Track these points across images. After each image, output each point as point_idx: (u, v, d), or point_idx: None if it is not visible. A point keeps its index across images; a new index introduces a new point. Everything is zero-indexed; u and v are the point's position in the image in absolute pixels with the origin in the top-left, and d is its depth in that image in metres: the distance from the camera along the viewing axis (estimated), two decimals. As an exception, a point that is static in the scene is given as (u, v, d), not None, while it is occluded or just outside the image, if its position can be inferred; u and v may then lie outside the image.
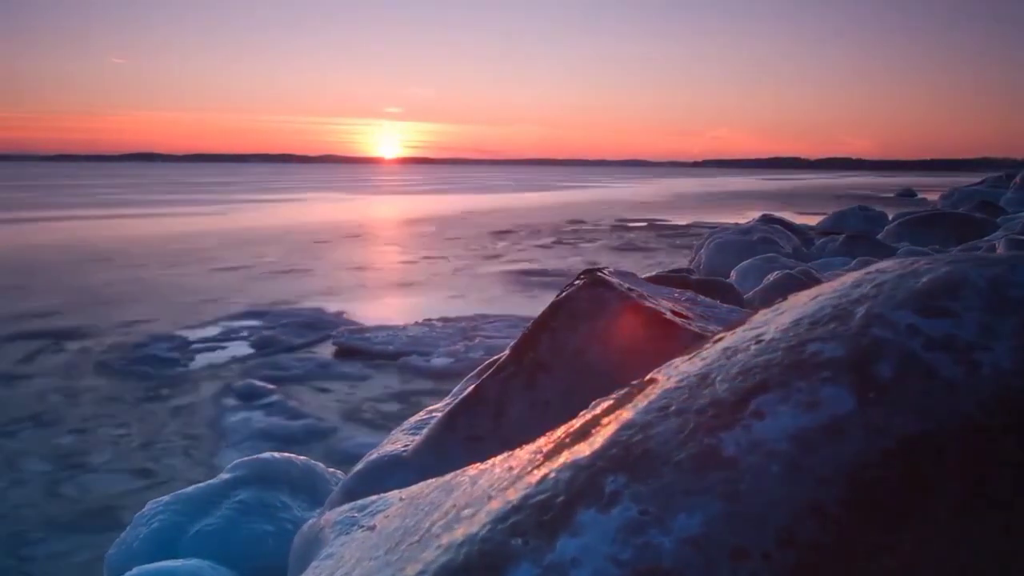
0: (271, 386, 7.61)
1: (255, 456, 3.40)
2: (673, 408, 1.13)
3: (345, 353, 9.03)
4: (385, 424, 6.51)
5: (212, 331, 10.21)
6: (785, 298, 1.42)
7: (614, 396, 1.36)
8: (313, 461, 3.47)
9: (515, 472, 1.27)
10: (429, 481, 1.65)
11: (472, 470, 1.52)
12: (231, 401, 7.24)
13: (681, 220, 29.18)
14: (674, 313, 2.47)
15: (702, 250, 13.59)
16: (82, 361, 8.77)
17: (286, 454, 3.43)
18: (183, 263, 16.60)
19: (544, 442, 1.36)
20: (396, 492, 1.76)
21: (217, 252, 18.62)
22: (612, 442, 1.12)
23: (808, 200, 43.57)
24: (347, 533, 1.66)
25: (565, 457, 1.16)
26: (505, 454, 1.48)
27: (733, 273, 10.47)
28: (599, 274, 2.64)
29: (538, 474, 1.16)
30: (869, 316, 1.13)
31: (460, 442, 2.46)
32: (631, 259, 17.32)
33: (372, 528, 1.58)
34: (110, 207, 35.63)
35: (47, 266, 16.37)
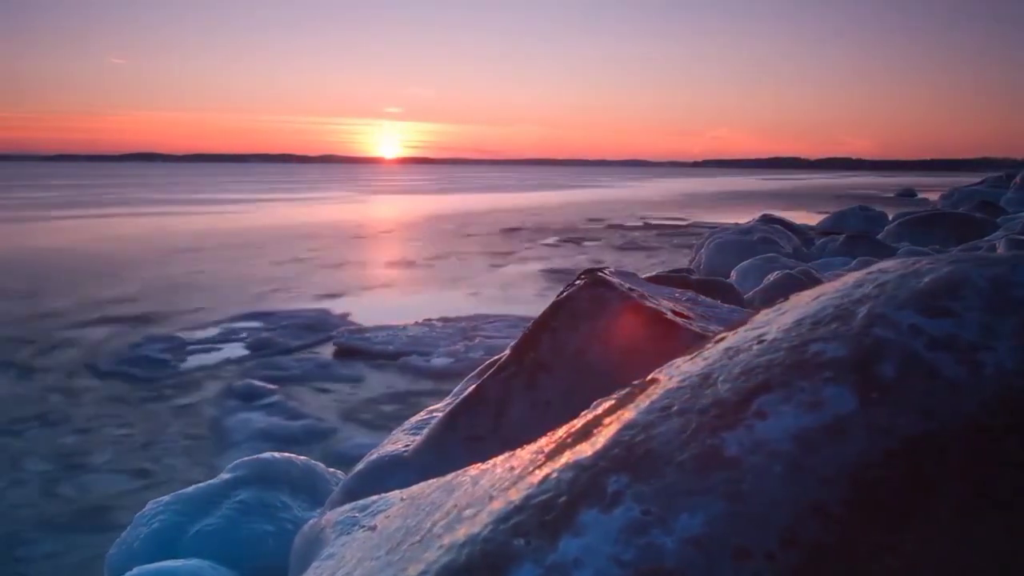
0: (271, 386, 7.60)
1: (255, 456, 3.40)
2: (675, 408, 1.13)
3: (346, 353, 9.03)
4: (384, 424, 6.51)
5: (212, 332, 10.21)
6: (787, 298, 1.42)
7: (615, 396, 1.36)
8: (313, 461, 3.47)
9: (517, 472, 1.27)
10: (430, 481, 1.65)
11: (473, 470, 1.51)
12: (231, 401, 7.23)
13: (706, 219, 29.05)
14: (675, 313, 2.47)
15: (702, 250, 13.59)
16: (87, 360, 8.77)
17: (286, 454, 3.43)
18: (192, 262, 16.61)
19: (545, 442, 1.36)
20: (397, 492, 1.76)
21: (223, 251, 18.74)
22: (614, 442, 1.12)
23: (808, 200, 43.61)
24: (348, 533, 1.66)
25: (567, 457, 1.16)
26: (506, 454, 1.47)
27: (733, 273, 10.47)
28: (600, 274, 2.64)
29: (540, 474, 1.16)
30: (871, 316, 1.13)
31: (461, 442, 2.46)
32: (657, 257, 17.44)
33: (373, 528, 1.57)
34: (115, 206, 35.99)
35: (60, 265, 16.47)
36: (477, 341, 9.11)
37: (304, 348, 9.36)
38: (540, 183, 76.71)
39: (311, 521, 2.01)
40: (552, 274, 14.91)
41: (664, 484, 1.02)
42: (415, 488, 1.67)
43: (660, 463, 1.05)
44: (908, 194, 49.82)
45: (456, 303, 12.04)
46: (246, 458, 3.38)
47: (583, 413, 1.40)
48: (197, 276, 14.80)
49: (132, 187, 58.52)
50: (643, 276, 3.80)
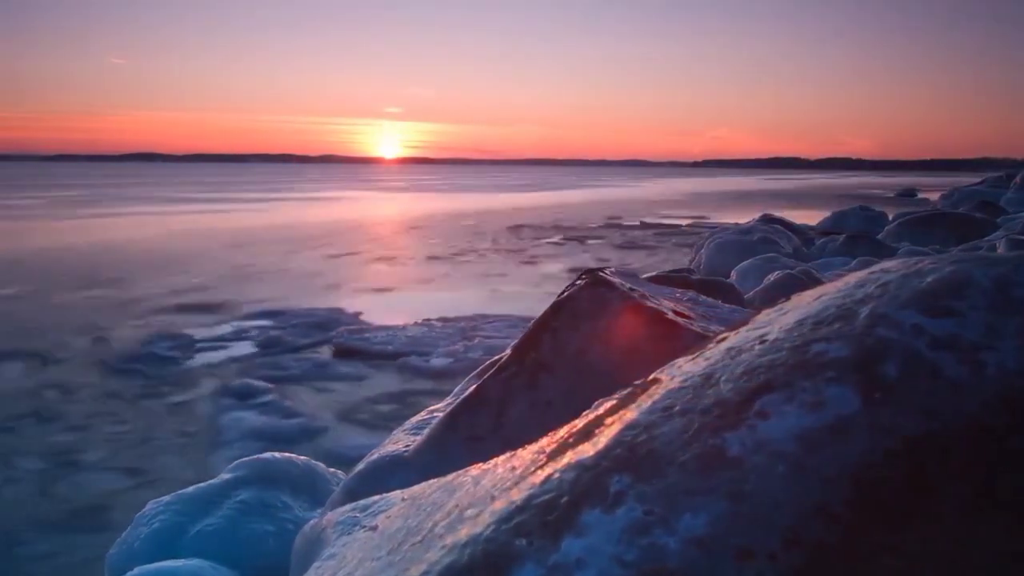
0: (269, 385, 7.60)
1: (256, 456, 3.40)
2: (677, 408, 1.13)
3: (348, 353, 9.02)
4: (382, 424, 6.53)
5: (210, 331, 10.20)
6: (788, 298, 1.42)
7: (617, 396, 1.36)
8: (314, 461, 3.47)
9: (518, 472, 1.26)
10: (431, 481, 1.65)
11: (474, 470, 1.51)
12: (229, 401, 7.22)
13: (717, 218, 29.14)
14: (676, 313, 2.47)
15: (702, 250, 13.58)
16: (93, 358, 8.78)
17: (287, 454, 3.43)
18: (191, 261, 16.64)
19: (547, 442, 1.36)
20: (398, 492, 1.75)
21: (232, 251, 18.86)
22: (616, 442, 1.12)
23: (809, 200, 43.67)
24: (349, 533, 1.65)
25: (569, 457, 1.16)
26: (507, 454, 1.47)
27: (733, 273, 10.46)
28: (600, 274, 2.64)
29: (542, 474, 1.16)
30: (874, 316, 1.12)
31: (462, 442, 2.46)
32: (658, 256, 17.57)
33: (374, 528, 1.57)
34: (128, 204, 36.54)
35: (81, 262, 16.65)
36: (477, 341, 9.12)
37: (307, 347, 9.37)
38: (545, 183, 76.96)
39: (312, 521, 2.01)
40: (556, 273, 14.95)
41: (666, 484, 1.02)
42: (416, 488, 1.67)
43: (662, 463, 1.05)
44: (908, 194, 49.83)
45: (461, 302, 12.07)
46: (246, 458, 3.38)
47: (584, 413, 1.40)
48: (197, 275, 14.82)
49: (140, 186, 59.00)
50: (643, 276, 3.81)
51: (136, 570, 2.61)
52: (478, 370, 3.00)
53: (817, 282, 5.79)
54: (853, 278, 1.30)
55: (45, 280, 14.29)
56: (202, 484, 3.23)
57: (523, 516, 1.07)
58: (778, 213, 18.70)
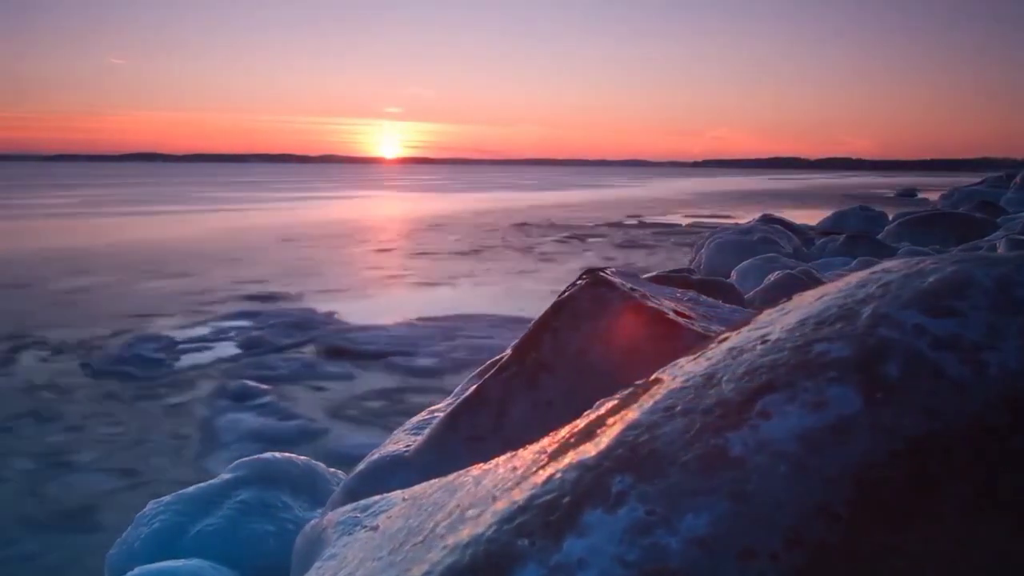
0: (265, 386, 7.60)
1: (256, 456, 3.40)
2: (679, 408, 1.13)
3: (348, 353, 9.02)
4: (376, 423, 6.54)
5: (202, 331, 10.17)
6: (790, 298, 1.41)
7: (618, 396, 1.35)
8: (314, 461, 3.46)
9: (520, 472, 1.26)
10: (432, 481, 1.64)
11: (475, 470, 1.51)
12: (220, 401, 7.20)
13: (726, 219, 29.44)
14: (677, 313, 2.47)
15: (702, 250, 13.57)
16: (100, 357, 8.80)
17: (287, 454, 3.43)
18: (188, 262, 16.66)
19: (548, 442, 1.36)
20: (399, 492, 1.75)
21: (296, 248, 19.40)
22: (618, 442, 1.12)
23: (809, 200, 43.73)
24: (350, 533, 1.65)
25: (571, 457, 1.16)
26: (509, 454, 1.47)
27: (733, 273, 10.46)
28: (601, 274, 2.63)
29: (543, 474, 1.16)
30: (876, 316, 1.12)
31: (462, 442, 2.46)
32: (660, 255, 17.69)
33: (375, 528, 1.57)
34: (143, 205, 37.20)
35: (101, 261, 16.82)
36: (478, 340, 9.14)
37: (303, 346, 9.38)
38: (548, 183, 77.22)
39: (313, 521, 2.00)
40: (561, 273, 15.01)
41: (668, 484, 1.02)
42: (417, 488, 1.67)
43: (664, 463, 1.05)
44: (908, 194, 49.80)
45: (466, 301, 12.13)
46: (247, 458, 3.38)
47: (586, 413, 1.40)
48: (198, 275, 14.84)
49: (156, 187, 59.58)
50: (644, 276, 3.80)
51: (136, 570, 2.60)
52: (478, 370, 2.99)
53: (817, 282, 5.79)
54: (855, 278, 1.30)
55: (134, 271, 15.06)
56: (202, 484, 3.22)
57: (525, 516, 1.07)
58: (778, 213, 18.71)
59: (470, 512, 1.21)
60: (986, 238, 11.46)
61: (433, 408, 3.00)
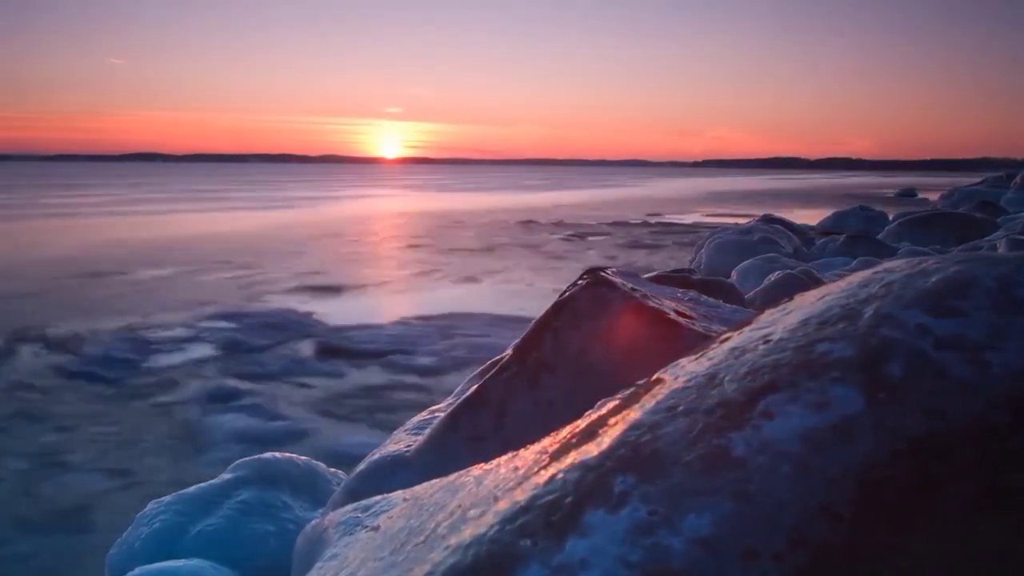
0: (258, 386, 7.60)
1: (256, 456, 3.40)
2: (681, 408, 1.13)
3: (350, 353, 9.02)
4: (374, 423, 6.53)
5: (194, 331, 10.15)
6: (792, 298, 1.41)
7: (620, 396, 1.35)
8: (314, 461, 3.46)
9: (521, 472, 1.26)
10: (433, 481, 1.64)
11: (476, 470, 1.51)
12: (215, 402, 7.18)
13: (726, 218, 29.69)
14: (677, 313, 2.47)
15: (702, 250, 13.57)
16: (104, 357, 8.81)
17: (287, 454, 3.43)
18: (182, 262, 16.66)
19: (549, 442, 1.36)
20: (400, 492, 1.75)
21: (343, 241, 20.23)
22: (620, 442, 1.11)
23: (808, 200, 43.83)
24: (351, 534, 1.65)
25: (572, 457, 1.16)
26: (510, 454, 1.47)
27: (734, 273, 10.45)
28: (602, 274, 2.63)
29: (545, 474, 1.16)
30: (878, 316, 1.12)
31: (463, 442, 2.46)
32: (662, 254, 17.88)
33: (376, 528, 1.57)
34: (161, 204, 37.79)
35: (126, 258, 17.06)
36: (480, 340, 9.16)
37: (301, 346, 9.39)
38: (554, 183, 77.43)
39: (313, 521, 2.00)
40: (564, 272, 15.08)
41: (671, 484, 1.01)
42: (418, 488, 1.66)
43: (667, 463, 1.04)
44: (908, 194, 49.78)
45: (471, 300, 12.20)
46: (247, 458, 3.38)
47: (587, 413, 1.39)
48: (200, 274, 14.84)
49: (172, 186, 59.96)
50: (644, 276, 3.80)
51: (137, 570, 2.60)
52: (479, 370, 2.99)
53: (818, 282, 5.79)
54: (857, 278, 1.30)
55: (203, 263, 15.70)
56: (203, 484, 3.22)
57: (527, 516, 1.07)
58: (778, 213, 18.72)
59: (472, 512, 1.21)
60: (986, 238, 11.46)
61: (434, 408, 3.00)
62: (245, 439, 6.21)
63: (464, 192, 56.25)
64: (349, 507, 1.82)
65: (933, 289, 1.14)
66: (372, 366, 8.46)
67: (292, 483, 3.23)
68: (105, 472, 5.75)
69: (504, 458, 1.46)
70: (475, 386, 2.64)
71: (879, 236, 14.23)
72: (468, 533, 1.12)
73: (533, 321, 2.68)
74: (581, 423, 1.34)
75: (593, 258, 17.52)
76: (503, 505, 1.14)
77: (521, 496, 1.13)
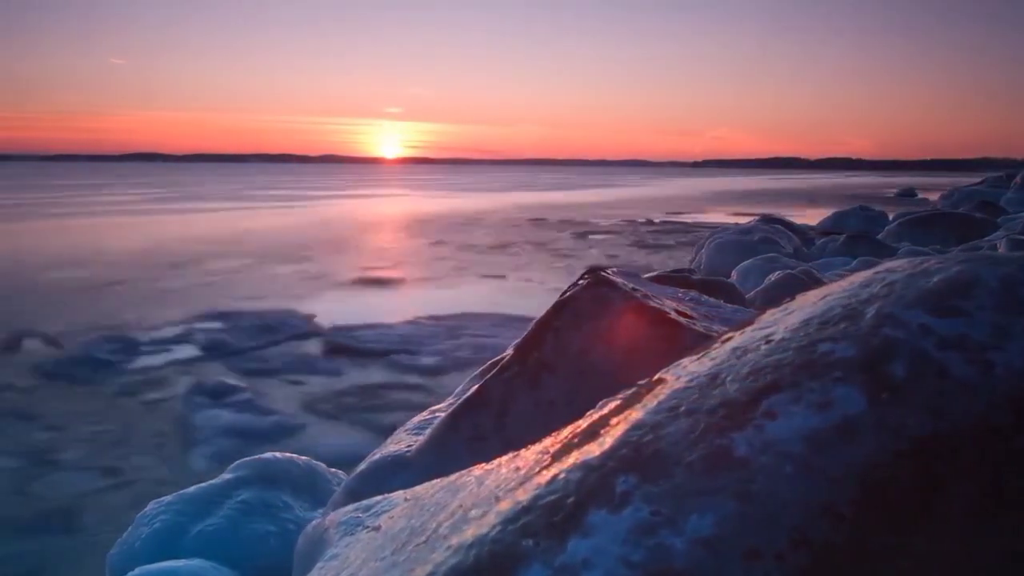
0: (255, 385, 7.60)
1: (257, 456, 3.39)
2: (683, 408, 1.13)
3: (351, 352, 9.02)
4: (374, 423, 6.53)
5: (193, 330, 10.15)
6: (793, 298, 1.41)
7: (622, 396, 1.35)
8: (315, 461, 3.46)
9: (523, 472, 1.26)
10: (434, 481, 1.64)
11: (477, 470, 1.51)
12: (214, 401, 7.16)
13: (726, 218, 29.90)
14: (678, 313, 2.46)
15: (703, 250, 13.56)
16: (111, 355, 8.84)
17: (288, 454, 3.43)
18: (179, 263, 16.69)
19: (551, 442, 1.36)
20: (401, 492, 1.75)
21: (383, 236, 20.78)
22: (622, 442, 1.11)
23: (808, 200, 43.92)
24: (352, 534, 1.65)
25: (574, 457, 1.15)
26: (511, 454, 1.47)
27: (734, 273, 10.45)
28: (603, 274, 2.63)
29: (547, 475, 1.16)
30: (880, 316, 1.12)
31: (463, 442, 2.46)
32: (665, 254, 18.04)
33: (377, 529, 1.57)
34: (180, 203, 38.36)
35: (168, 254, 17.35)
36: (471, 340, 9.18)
37: (303, 344, 9.40)
38: (558, 183, 77.60)
39: (314, 521, 2.00)
40: (569, 270, 15.15)
41: (673, 485, 1.01)
42: (419, 488, 1.66)
43: (669, 463, 1.04)
44: (908, 194, 49.75)
45: (472, 300, 12.25)
46: (247, 458, 3.38)
47: (589, 413, 1.39)
48: (196, 275, 14.86)
49: (188, 186, 60.20)
50: (644, 276, 3.80)
51: (137, 570, 2.60)
52: (480, 370, 2.99)
53: (818, 282, 5.78)
54: (859, 278, 1.29)
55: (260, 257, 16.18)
56: (203, 484, 3.22)
57: (529, 516, 1.07)
58: (778, 213, 18.73)
59: (473, 512, 1.21)
60: (986, 238, 11.46)
61: (434, 408, 3.00)
62: (243, 436, 6.21)
63: (474, 192, 56.71)
64: (350, 507, 1.82)
65: (935, 289, 1.14)
66: (388, 363, 8.49)
67: (293, 483, 3.23)
68: (158, 459, 5.84)
69: (505, 458, 1.46)
70: (476, 386, 2.64)
71: (879, 236, 14.22)
72: (470, 533, 1.12)
73: (534, 321, 2.68)
74: (583, 423, 1.34)
75: (596, 257, 17.61)
76: (505, 505, 1.14)
77: (523, 496, 1.13)
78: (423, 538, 1.27)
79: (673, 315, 2.42)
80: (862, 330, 1.11)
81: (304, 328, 10.12)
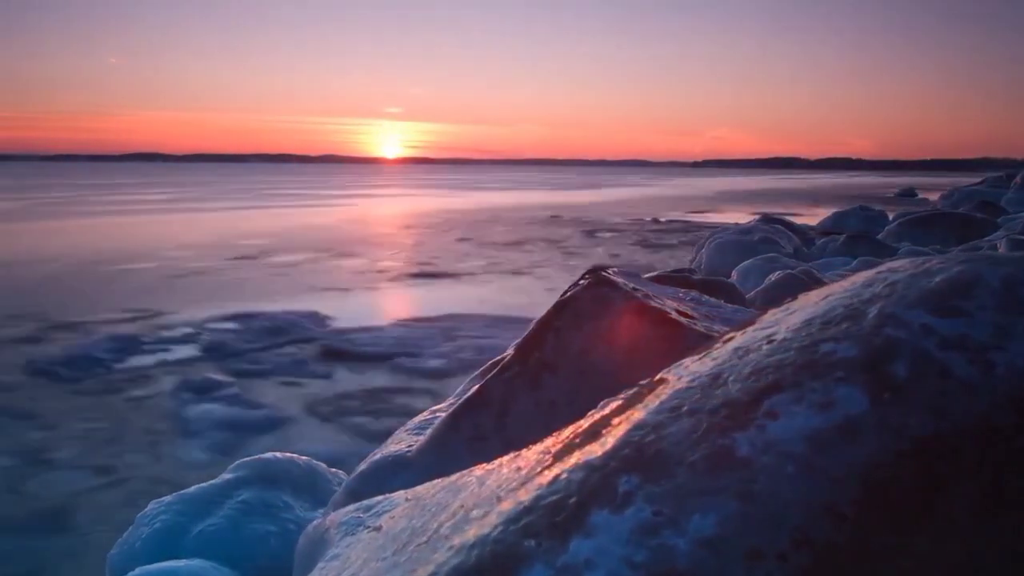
0: (257, 385, 7.61)
1: (257, 456, 3.39)
2: (685, 408, 1.13)
3: (353, 355, 9.02)
4: (373, 423, 6.53)
5: (191, 330, 10.15)
6: (795, 298, 1.41)
7: (623, 396, 1.35)
8: (315, 461, 3.46)
9: (524, 473, 1.26)
10: (435, 481, 1.64)
11: (479, 470, 1.51)
12: (213, 402, 7.18)
13: (726, 218, 30.07)
14: (679, 313, 2.46)
15: (703, 250, 13.56)
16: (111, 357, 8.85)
17: (288, 454, 3.42)
18: (177, 262, 16.68)
19: (552, 442, 1.36)
20: (402, 492, 1.75)
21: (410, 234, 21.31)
22: (624, 442, 1.11)
23: (808, 200, 43.94)
24: (353, 534, 1.65)
25: (576, 457, 1.15)
26: (512, 454, 1.47)
27: (734, 273, 10.45)
28: (603, 274, 2.63)
29: (549, 475, 1.16)
30: (882, 316, 1.12)
31: (464, 442, 2.46)
32: (665, 253, 18.26)
33: (378, 529, 1.57)
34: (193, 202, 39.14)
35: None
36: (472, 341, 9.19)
37: (306, 347, 9.40)
38: (561, 183, 77.79)
39: (315, 522, 2.00)
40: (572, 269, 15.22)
41: (675, 484, 1.01)
42: (420, 488, 1.66)
43: (671, 463, 1.04)
44: (908, 194, 49.73)
45: (474, 301, 12.32)
46: (248, 458, 3.37)
47: (590, 413, 1.39)
48: (200, 274, 14.84)
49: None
50: (645, 276, 3.80)
51: (137, 570, 2.60)
52: (480, 370, 2.99)
53: (818, 282, 5.78)
54: (860, 278, 1.29)
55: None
56: (203, 484, 3.22)
57: (531, 517, 1.07)
58: (778, 213, 18.75)
59: (475, 512, 1.21)
60: (986, 238, 11.45)
61: (435, 408, 3.00)
62: (241, 434, 6.22)
63: (484, 191, 57.23)
64: (351, 507, 1.82)
65: (937, 289, 1.14)
66: (413, 360, 8.56)
67: (293, 483, 3.23)
68: (152, 457, 5.85)
69: (506, 458, 1.46)
70: (476, 386, 2.64)
71: (879, 236, 14.22)
72: (472, 533, 1.12)
73: (534, 321, 2.68)
74: (584, 423, 1.34)
75: (602, 255, 17.75)
76: (506, 505, 1.14)
77: (524, 496, 1.13)
78: (424, 538, 1.27)
79: (674, 315, 2.42)
80: (864, 330, 1.11)
81: (310, 330, 10.16)
